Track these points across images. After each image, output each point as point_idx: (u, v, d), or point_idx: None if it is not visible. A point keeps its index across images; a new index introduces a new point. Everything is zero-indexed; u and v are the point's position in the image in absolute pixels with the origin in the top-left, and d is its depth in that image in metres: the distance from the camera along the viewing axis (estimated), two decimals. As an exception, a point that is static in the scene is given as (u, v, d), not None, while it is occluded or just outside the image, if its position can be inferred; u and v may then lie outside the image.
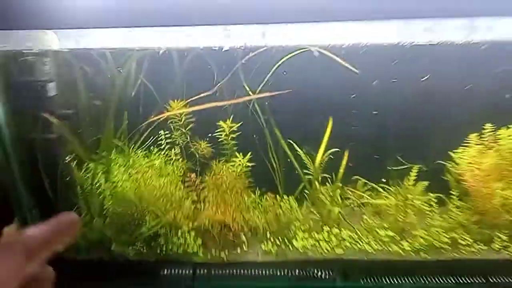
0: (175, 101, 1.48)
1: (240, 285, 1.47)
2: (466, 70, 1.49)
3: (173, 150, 1.51)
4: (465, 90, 1.48)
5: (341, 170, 1.52)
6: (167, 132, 1.49)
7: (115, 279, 1.49)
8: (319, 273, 1.46)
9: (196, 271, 1.48)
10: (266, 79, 1.50)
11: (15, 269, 0.36)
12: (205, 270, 1.48)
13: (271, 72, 1.48)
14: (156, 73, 1.56)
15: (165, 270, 1.48)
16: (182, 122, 1.49)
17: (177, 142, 1.51)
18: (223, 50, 1.36)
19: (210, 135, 1.54)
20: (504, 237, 1.46)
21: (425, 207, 1.51)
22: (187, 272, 1.49)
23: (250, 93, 1.50)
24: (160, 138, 1.50)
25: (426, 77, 1.47)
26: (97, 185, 1.46)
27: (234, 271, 1.47)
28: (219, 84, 1.55)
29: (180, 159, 1.53)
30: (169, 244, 1.48)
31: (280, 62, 1.45)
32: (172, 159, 1.50)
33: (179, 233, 1.49)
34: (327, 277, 1.45)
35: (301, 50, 1.35)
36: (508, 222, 1.46)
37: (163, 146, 1.50)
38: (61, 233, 0.43)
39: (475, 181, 1.48)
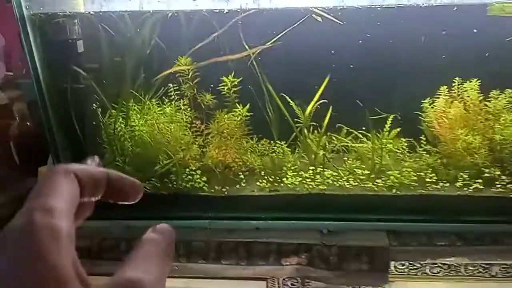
0: (182, 57, 1.72)
1: (238, 215, 1.76)
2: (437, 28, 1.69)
3: (181, 100, 1.76)
4: (437, 47, 1.68)
5: (326, 120, 1.76)
6: (175, 85, 1.74)
7: (134, 209, 1.78)
8: (305, 204, 1.73)
9: (202, 203, 1.77)
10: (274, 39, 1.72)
11: (73, 193, 0.35)
12: (210, 202, 1.77)
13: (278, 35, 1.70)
14: (168, 34, 1.80)
15: (177, 202, 1.78)
16: (189, 76, 1.74)
17: (185, 94, 1.76)
18: (224, 12, 1.60)
19: (211, 87, 1.78)
20: (465, 176, 1.70)
21: (398, 151, 1.75)
22: (194, 203, 1.77)
23: (247, 47, 1.72)
24: (170, 90, 1.75)
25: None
26: (118, 129, 1.73)
27: (233, 203, 1.75)
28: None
29: (188, 109, 1.78)
30: (179, 181, 1.76)
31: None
32: (181, 108, 1.75)
33: (188, 171, 1.77)
34: (311, 209, 1.73)
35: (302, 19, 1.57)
36: (470, 164, 1.69)
37: (173, 97, 1.75)
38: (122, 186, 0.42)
39: (442, 128, 1.71)
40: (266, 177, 1.77)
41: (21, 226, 0.29)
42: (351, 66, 1.72)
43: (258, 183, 1.78)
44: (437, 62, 1.70)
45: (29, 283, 0.26)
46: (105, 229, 1.81)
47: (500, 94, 1.68)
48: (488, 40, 1.61)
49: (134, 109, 1.74)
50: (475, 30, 1.57)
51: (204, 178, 1.78)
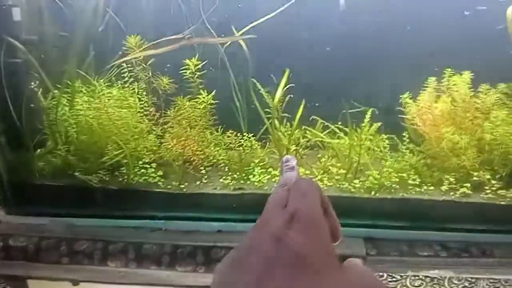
0: (133, 36, 1.50)
1: (197, 215, 1.55)
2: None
3: (136, 83, 1.55)
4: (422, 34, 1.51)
5: (300, 111, 1.57)
6: (129, 65, 1.53)
7: (78, 205, 1.56)
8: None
9: (156, 200, 1.55)
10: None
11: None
12: (165, 200, 1.55)
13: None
14: (124, 9, 1.59)
15: (127, 198, 1.56)
16: (141, 58, 1.53)
17: (139, 77, 1.55)
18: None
19: (171, 70, 1.58)
20: (452, 179, 1.52)
21: (377, 149, 1.56)
22: (147, 201, 1.56)
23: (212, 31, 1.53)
24: (124, 71, 1.54)
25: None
26: (61, 113, 1.50)
27: (192, 201, 1.54)
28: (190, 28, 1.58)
29: (144, 93, 1.57)
30: (131, 174, 1.54)
31: None
32: (135, 92, 1.54)
33: (141, 164, 1.55)
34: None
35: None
36: (456, 166, 1.52)
37: (126, 79, 1.53)
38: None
39: (426, 125, 1.54)
40: (231, 174, 1.57)
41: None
42: (328, 49, 1.54)
43: (221, 180, 1.57)
44: (424, 50, 1.54)
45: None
46: (44, 227, 1.58)
47: (490, 89, 1.51)
48: (478, 27, 1.45)
49: (81, 90, 1.51)
50: (466, 13, 1.41)
51: (160, 173, 1.56)
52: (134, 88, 1.54)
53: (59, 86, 1.49)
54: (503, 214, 1.48)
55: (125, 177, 1.53)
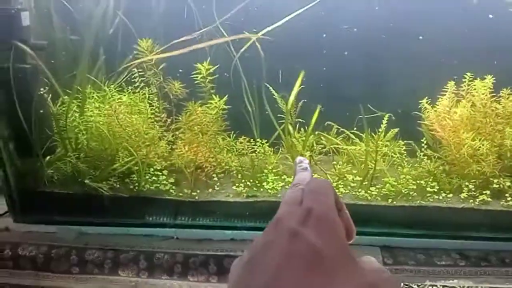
0: (144, 39, 1.47)
1: (210, 223, 1.51)
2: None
3: (147, 89, 1.51)
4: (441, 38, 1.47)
5: (315, 116, 1.53)
6: (140, 70, 1.49)
7: (88, 213, 1.53)
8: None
9: (168, 208, 1.52)
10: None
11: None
12: (177, 207, 1.52)
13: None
14: (135, 12, 1.55)
15: (138, 206, 1.52)
16: (153, 62, 1.49)
17: (150, 82, 1.52)
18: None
19: (183, 75, 1.54)
20: (471, 186, 1.48)
21: (395, 155, 1.53)
22: (159, 208, 1.52)
23: (225, 34, 1.49)
24: (134, 76, 1.50)
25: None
26: (71, 119, 1.47)
27: (205, 209, 1.50)
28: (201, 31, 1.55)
29: (155, 99, 1.54)
30: (142, 182, 1.51)
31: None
32: (146, 97, 1.50)
33: (152, 171, 1.52)
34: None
35: None
36: (476, 172, 1.48)
37: (137, 84, 1.50)
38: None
39: (445, 131, 1.50)
40: (244, 181, 1.53)
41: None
42: (345, 53, 1.50)
43: (234, 187, 1.54)
44: (443, 55, 1.50)
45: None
46: (54, 236, 1.56)
47: (511, 94, 1.47)
48: (502, 31, 1.41)
49: (91, 96, 1.48)
50: (490, 16, 1.37)
51: (172, 180, 1.53)
52: (145, 93, 1.50)
53: (69, 91, 1.45)
54: (524, 222, 1.44)
55: (136, 184, 1.50)
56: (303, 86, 1.54)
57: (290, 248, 0.36)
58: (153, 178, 1.51)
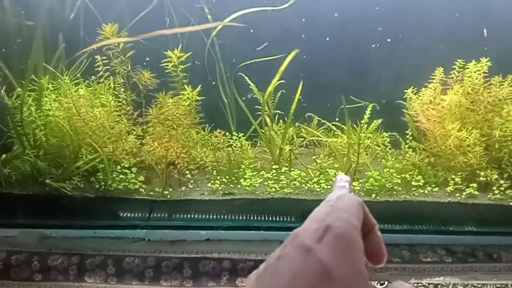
0: (109, 24, 1.34)
1: (184, 223, 1.42)
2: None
3: (112, 78, 1.39)
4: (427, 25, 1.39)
5: (293, 106, 1.43)
6: (105, 58, 1.37)
7: (50, 215, 1.41)
8: (266, 212, 1.41)
9: (138, 208, 1.42)
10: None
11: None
12: (148, 207, 1.41)
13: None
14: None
15: (106, 207, 1.41)
16: (119, 49, 1.37)
17: (117, 71, 1.39)
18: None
19: (148, 62, 1.43)
20: (457, 179, 1.42)
21: (378, 147, 1.45)
22: (128, 209, 1.42)
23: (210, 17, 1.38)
24: (97, 64, 1.38)
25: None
26: (27, 114, 1.34)
27: (178, 208, 1.40)
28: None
29: (122, 90, 1.42)
30: (109, 180, 1.39)
31: None
32: (111, 88, 1.38)
33: (120, 169, 1.40)
34: (274, 217, 1.41)
35: None
36: (462, 164, 1.42)
37: (101, 73, 1.38)
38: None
39: (430, 122, 1.42)
40: (219, 177, 1.43)
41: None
42: (327, 39, 1.41)
43: (209, 185, 1.44)
44: (429, 42, 1.42)
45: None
46: (14, 240, 1.43)
47: (503, 81, 1.40)
48: (491, 15, 1.33)
49: (48, 87, 1.35)
50: None
51: (141, 178, 1.42)
52: (110, 84, 1.38)
53: (23, 82, 1.32)
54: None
55: (103, 183, 1.38)
56: (284, 79, 1.44)
57: (301, 264, 0.38)
58: (121, 176, 1.40)
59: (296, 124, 1.47)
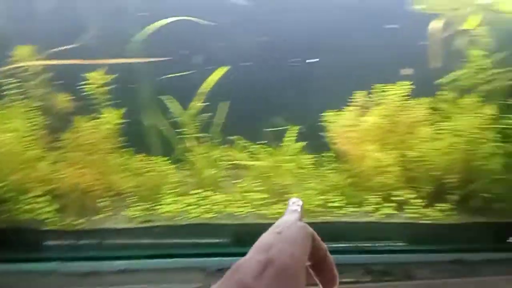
0: (23, 46, 1.29)
1: (99, 254, 1.35)
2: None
3: (26, 102, 1.33)
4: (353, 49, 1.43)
5: (217, 129, 1.43)
6: (19, 80, 1.31)
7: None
8: (187, 238, 1.37)
9: (50, 239, 1.34)
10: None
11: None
12: (61, 238, 1.34)
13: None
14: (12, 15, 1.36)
15: (13, 238, 1.33)
16: (34, 72, 1.31)
17: (31, 94, 1.33)
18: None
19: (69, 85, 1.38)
20: (375, 200, 1.45)
21: (301, 169, 1.46)
22: (39, 240, 1.34)
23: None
24: (7, 87, 1.31)
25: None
26: None
27: (92, 238, 1.34)
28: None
29: (35, 114, 1.35)
30: (17, 210, 1.31)
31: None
32: (23, 112, 1.32)
33: (30, 198, 1.33)
34: (195, 243, 1.38)
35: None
36: (380, 185, 1.45)
37: (12, 96, 1.31)
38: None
39: (350, 143, 1.46)
40: (138, 204, 1.39)
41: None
42: (248, 64, 1.42)
43: (127, 212, 1.39)
44: (348, 68, 1.46)
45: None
46: None
47: (417, 104, 1.46)
48: (408, 41, 1.40)
49: None
50: (395, 26, 1.35)
51: (54, 206, 1.35)
52: (21, 108, 1.32)
53: None
54: (427, 233, 1.44)
55: (10, 213, 1.30)
56: (210, 101, 1.43)
57: None
58: (32, 205, 1.33)
59: (221, 147, 1.46)
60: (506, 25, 1.33)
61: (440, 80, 1.42)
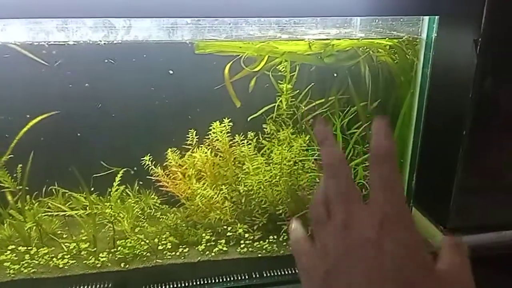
0: None
1: None
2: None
3: None
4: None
5: (25, 177, 1.37)
6: None
7: None
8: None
9: None
10: None
11: None
12: None
13: None
14: None
15: None
16: None
17: None
18: None
19: None
20: (208, 237, 1.45)
21: (128, 213, 1.44)
22: None
23: None
24: None
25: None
26: None
27: None
28: None
29: None
30: None
31: None
32: None
33: None
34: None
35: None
36: (213, 221, 1.46)
37: None
38: None
39: (178, 183, 1.46)
40: None
41: None
42: (58, 112, 1.39)
43: None
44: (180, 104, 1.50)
45: None
46: None
47: (244, 140, 1.51)
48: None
49: None
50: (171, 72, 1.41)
51: None
52: None
53: None
54: (262, 267, 1.44)
55: None
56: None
57: (376, 265, 0.35)
58: None
59: (39, 199, 1.40)
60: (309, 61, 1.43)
61: (254, 115, 1.48)
